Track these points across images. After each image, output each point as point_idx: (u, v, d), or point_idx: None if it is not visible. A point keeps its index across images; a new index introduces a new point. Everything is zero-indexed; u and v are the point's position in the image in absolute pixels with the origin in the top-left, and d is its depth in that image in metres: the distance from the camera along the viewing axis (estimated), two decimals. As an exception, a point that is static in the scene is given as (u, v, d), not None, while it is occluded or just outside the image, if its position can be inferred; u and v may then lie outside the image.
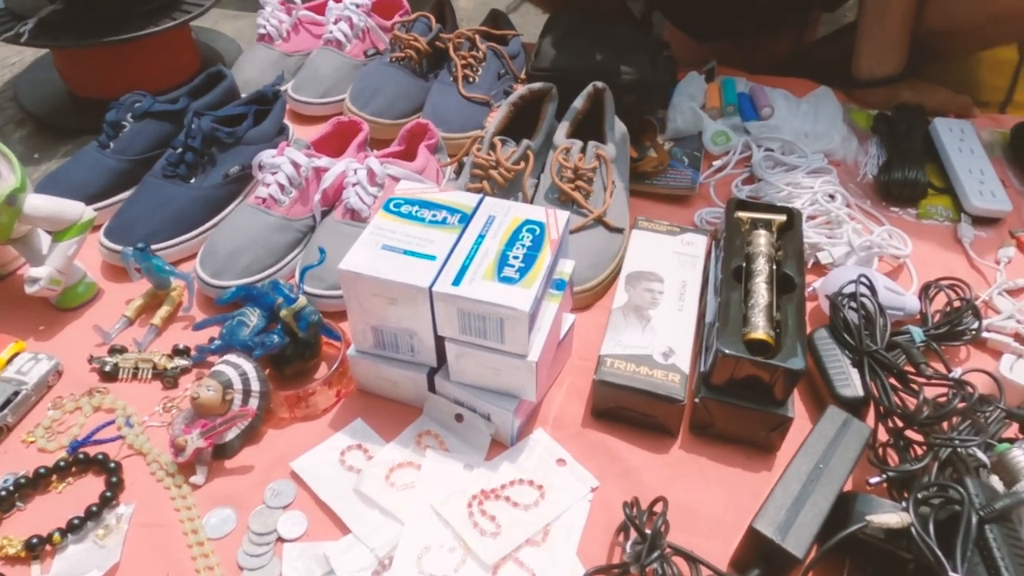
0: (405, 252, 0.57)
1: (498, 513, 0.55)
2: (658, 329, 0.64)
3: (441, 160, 0.86)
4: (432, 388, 0.62)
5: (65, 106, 1.11)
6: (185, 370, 0.67)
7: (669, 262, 0.71)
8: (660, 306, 0.66)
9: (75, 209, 0.71)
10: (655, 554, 0.48)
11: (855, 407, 0.61)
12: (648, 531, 0.50)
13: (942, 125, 0.94)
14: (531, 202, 0.78)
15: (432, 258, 0.56)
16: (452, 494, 0.57)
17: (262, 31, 1.05)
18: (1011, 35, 1.00)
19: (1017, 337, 0.71)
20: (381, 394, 0.65)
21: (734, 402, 0.59)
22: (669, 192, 0.88)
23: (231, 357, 0.61)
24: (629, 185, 0.84)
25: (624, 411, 0.62)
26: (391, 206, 0.61)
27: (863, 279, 0.66)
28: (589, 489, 0.58)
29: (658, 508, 0.53)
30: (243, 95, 0.93)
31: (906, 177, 0.87)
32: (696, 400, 0.60)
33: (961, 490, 0.47)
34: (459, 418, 0.61)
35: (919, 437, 0.57)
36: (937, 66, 1.07)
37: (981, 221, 0.85)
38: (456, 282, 0.54)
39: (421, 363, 0.61)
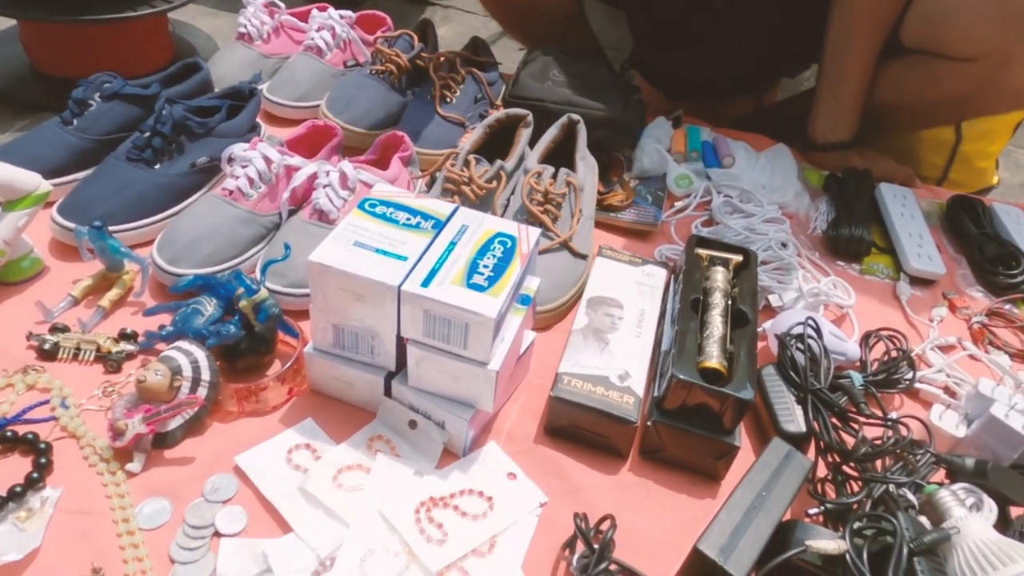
0: (377, 251, 0.57)
1: (446, 521, 0.55)
2: (616, 353, 0.66)
3: (413, 173, 0.86)
4: (388, 392, 0.62)
5: (26, 81, 1.08)
6: (130, 355, 0.65)
7: (630, 290, 0.73)
8: (619, 331, 0.68)
9: (30, 180, 0.68)
10: (602, 566, 0.48)
11: (797, 442, 0.63)
12: (596, 545, 0.50)
13: (887, 190, 1.01)
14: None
15: (403, 258, 0.57)
16: (400, 499, 0.56)
17: (242, 30, 1.05)
18: (952, 117, 1.09)
19: (946, 390, 0.75)
20: (335, 395, 0.64)
21: (684, 428, 0.60)
22: (632, 226, 0.90)
23: (183, 344, 0.59)
24: (595, 216, 0.87)
25: (577, 430, 0.63)
26: (366, 205, 0.62)
27: (811, 321, 0.69)
28: (538, 504, 0.58)
29: (605, 526, 0.54)
30: (216, 90, 0.92)
31: (852, 234, 0.92)
32: (648, 424, 0.61)
33: (894, 521, 0.49)
34: (413, 424, 0.61)
35: (855, 474, 0.59)
36: (882, 141, 1.15)
37: (918, 281, 0.91)
38: (425, 284, 0.55)
39: (379, 366, 0.61)
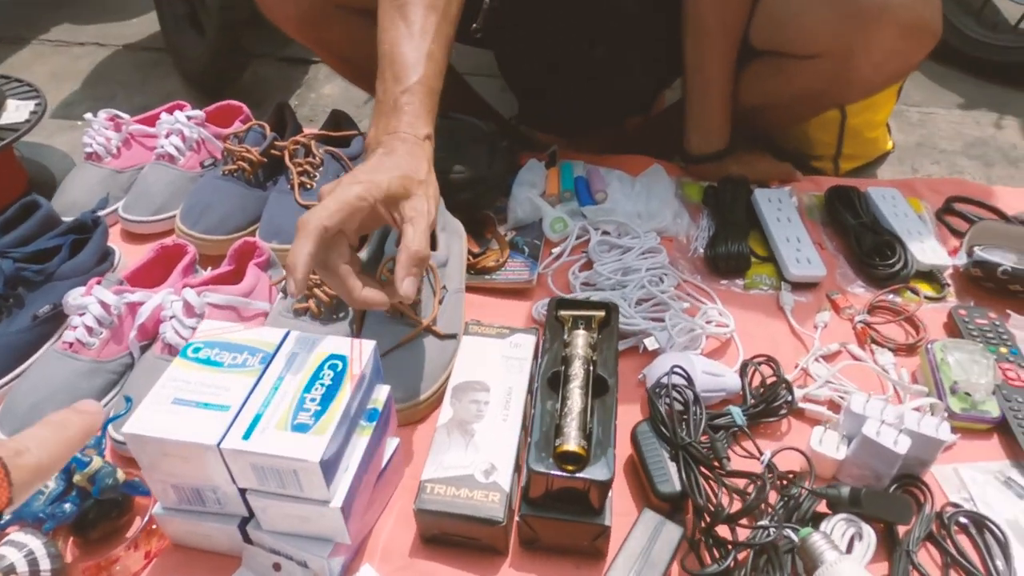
0: (198, 405, 0.55)
1: (314, 673, 0.53)
2: (481, 445, 0.64)
3: (274, 276, 0.84)
4: (247, 538, 0.59)
5: None
6: (-25, 549, 0.62)
7: (496, 368, 0.71)
8: (485, 418, 0.66)
9: None
10: None
11: (676, 502, 0.62)
12: None
13: (761, 196, 1.01)
14: (361, 318, 0.77)
15: (226, 408, 0.54)
16: (266, 657, 0.54)
17: (88, 150, 1.01)
18: (813, 110, 1.09)
19: (830, 404, 0.74)
20: (199, 547, 0.62)
21: (553, 516, 0.59)
22: (508, 286, 0.89)
23: (15, 536, 0.56)
24: (467, 282, 0.85)
25: (450, 536, 0.61)
26: (189, 352, 0.59)
27: (677, 369, 0.69)
28: (415, 628, 0.56)
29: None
30: (67, 219, 0.89)
31: (730, 251, 0.92)
32: (517, 519, 0.60)
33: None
34: (277, 567, 0.58)
35: (726, 537, 0.58)
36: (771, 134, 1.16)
37: (800, 287, 0.90)
38: (247, 435, 0.52)
39: (231, 514, 0.58)
